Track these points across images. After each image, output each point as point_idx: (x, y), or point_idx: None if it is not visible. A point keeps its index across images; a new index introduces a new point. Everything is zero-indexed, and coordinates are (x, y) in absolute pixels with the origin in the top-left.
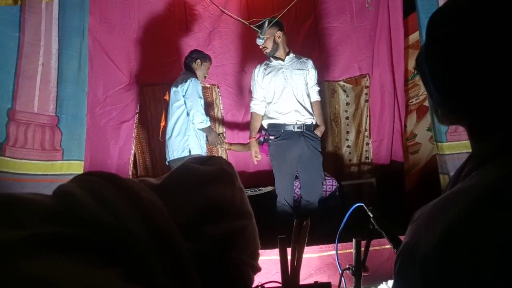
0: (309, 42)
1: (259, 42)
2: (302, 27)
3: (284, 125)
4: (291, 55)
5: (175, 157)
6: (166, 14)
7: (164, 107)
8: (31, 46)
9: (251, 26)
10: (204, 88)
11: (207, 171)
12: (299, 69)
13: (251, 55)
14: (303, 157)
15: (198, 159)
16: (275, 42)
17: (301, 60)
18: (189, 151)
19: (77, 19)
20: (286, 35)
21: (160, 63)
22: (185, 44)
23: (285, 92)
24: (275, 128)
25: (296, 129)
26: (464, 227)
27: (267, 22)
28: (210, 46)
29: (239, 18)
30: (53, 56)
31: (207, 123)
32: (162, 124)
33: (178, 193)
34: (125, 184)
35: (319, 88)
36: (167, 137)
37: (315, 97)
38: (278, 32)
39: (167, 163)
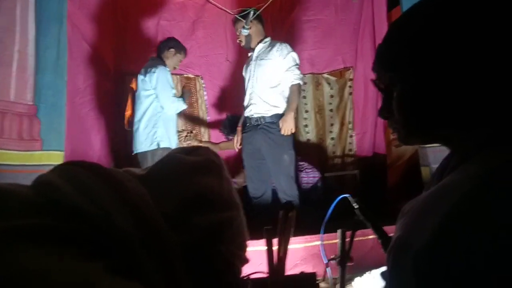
0: (294, 33)
1: (245, 32)
2: (286, 19)
3: (247, 118)
4: (262, 44)
5: (143, 150)
6: (148, 2)
7: (130, 95)
8: (6, 31)
9: (236, 16)
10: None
11: (193, 161)
12: (262, 59)
13: (236, 46)
14: (263, 151)
15: (184, 150)
16: (247, 35)
17: (270, 47)
18: (158, 144)
19: (55, 4)
20: (263, 23)
21: (142, 52)
22: (168, 33)
23: (248, 84)
24: (245, 122)
25: (253, 122)
26: (457, 221)
27: (252, 12)
28: (194, 36)
29: (223, 8)
30: (30, 42)
31: (181, 108)
32: (128, 113)
33: (164, 183)
34: (108, 174)
35: (293, 73)
36: (134, 127)
37: (289, 82)
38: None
39: (133, 154)
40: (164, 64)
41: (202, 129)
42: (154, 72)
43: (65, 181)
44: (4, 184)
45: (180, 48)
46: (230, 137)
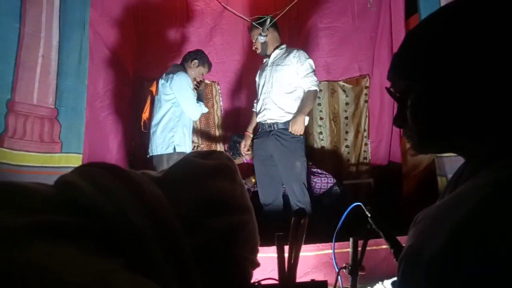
0: (310, 41)
1: (261, 39)
2: (303, 26)
3: (259, 124)
4: (278, 50)
5: (158, 153)
6: (168, 9)
7: (149, 98)
8: (32, 37)
9: (253, 23)
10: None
11: (208, 165)
12: (279, 65)
13: (252, 52)
14: (276, 157)
15: (199, 153)
16: (263, 42)
17: (286, 54)
18: (174, 148)
19: (78, 11)
20: (279, 30)
21: (161, 58)
22: (186, 39)
23: (263, 90)
24: (257, 127)
25: (266, 128)
26: (469, 229)
27: (269, 19)
28: (211, 42)
29: (241, 15)
30: (54, 48)
31: (203, 111)
32: (145, 115)
33: (180, 186)
34: (127, 175)
35: (310, 79)
36: (151, 130)
37: (306, 87)
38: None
39: (148, 157)
40: (185, 71)
41: (214, 143)
42: (174, 78)
43: (86, 181)
44: (28, 183)
45: (204, 61)
46: (236, 159)
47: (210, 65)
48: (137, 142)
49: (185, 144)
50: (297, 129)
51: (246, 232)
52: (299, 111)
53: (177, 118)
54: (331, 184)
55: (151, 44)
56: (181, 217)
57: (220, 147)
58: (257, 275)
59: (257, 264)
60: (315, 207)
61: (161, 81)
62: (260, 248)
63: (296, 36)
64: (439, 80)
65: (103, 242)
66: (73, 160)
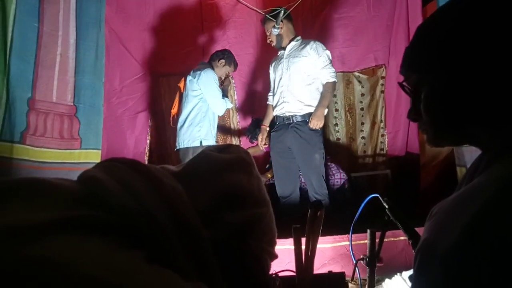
0: (324, 31)
1: (275, 32)
2: (317, 17)
3: (277, 116)
4: (294, 42)
5: (185, 146)
6: (182, 4)
7: (177, 94)
8: (50, 36)
9: (266, 15)
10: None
11: (225, 159)
12: (296, 57)
13: (266, 46)
14: (294, 150)
15: (217, 148)
16: (278, 34)
17: (303, 46)
18: (201, 141)
19: (94, 10)
20: (293, 21)
21: (176, 54)
22: (200, 34)
23: (280, 83)
24: (275, 120)
25: (285, 121)
26: (487, 221)
27: (282, 11)
28: (225, 36)
29: (254, 8)
30: (71, 46)
31: (228, 106)
32: (174, 110)
33: (197, 180)
34: (148, 171)
35: (329, 70)
36: (179, 125)
37: (325, 79)
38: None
39: (175, 150)
40: (212, 69)
41: (230, 137)
42: (201, 75)
43: (109, 177)
44: (53, 179)
45: (230, 61)
46: (255, 142)
47: (236, 65)
48: (153, 137)
49: (212, 137)
50: (318, 123)
51: (263, 225)
52: (319, 104)
53: (204, 113)
54: (344, 180)
55: (165, 39)
56: (199, 211)
57: (235, 141)
58: (274, 267)
59: (275, 256)
60: (330, 202)
61: (188, 78)
62: (277, 240)
63: (310, 27)
64: (453, 70)
65: (125, 236)
66: (92, 156)
